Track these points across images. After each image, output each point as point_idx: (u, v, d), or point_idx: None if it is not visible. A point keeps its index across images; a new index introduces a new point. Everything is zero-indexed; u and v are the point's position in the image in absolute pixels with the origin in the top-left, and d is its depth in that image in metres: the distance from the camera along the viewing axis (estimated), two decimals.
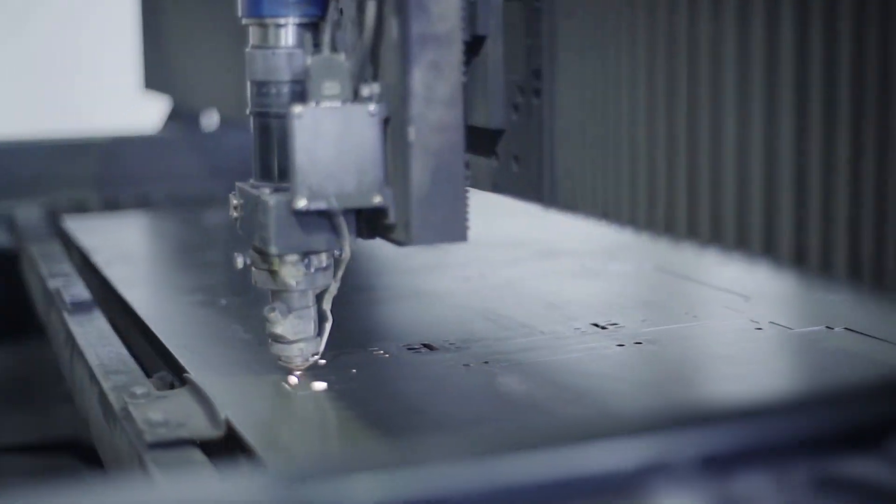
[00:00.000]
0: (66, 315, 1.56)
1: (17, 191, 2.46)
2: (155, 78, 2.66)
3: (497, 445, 0.81)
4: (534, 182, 1.14)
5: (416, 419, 1.14)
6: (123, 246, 2.05)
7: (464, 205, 1.15)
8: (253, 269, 1.24)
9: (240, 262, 1.24)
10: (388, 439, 1.08)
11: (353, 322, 1.44)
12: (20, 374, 2.26)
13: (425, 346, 1.35)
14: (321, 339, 1.26)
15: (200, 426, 1.11)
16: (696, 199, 0.94)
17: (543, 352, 1.30)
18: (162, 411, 1.14)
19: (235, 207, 1.26)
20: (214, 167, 2.58)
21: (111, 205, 2.42)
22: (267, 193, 1.18)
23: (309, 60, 1.15)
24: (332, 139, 1.14)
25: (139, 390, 1.19)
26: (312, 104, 1.14)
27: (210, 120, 2.77)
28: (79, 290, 1.66)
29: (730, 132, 0.90)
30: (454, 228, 1.15)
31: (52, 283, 1.71)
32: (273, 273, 1.22)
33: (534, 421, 1.12)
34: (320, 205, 1.14)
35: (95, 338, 1.43)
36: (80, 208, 2.39)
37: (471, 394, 1.21)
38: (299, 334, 1.25)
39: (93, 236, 2.06)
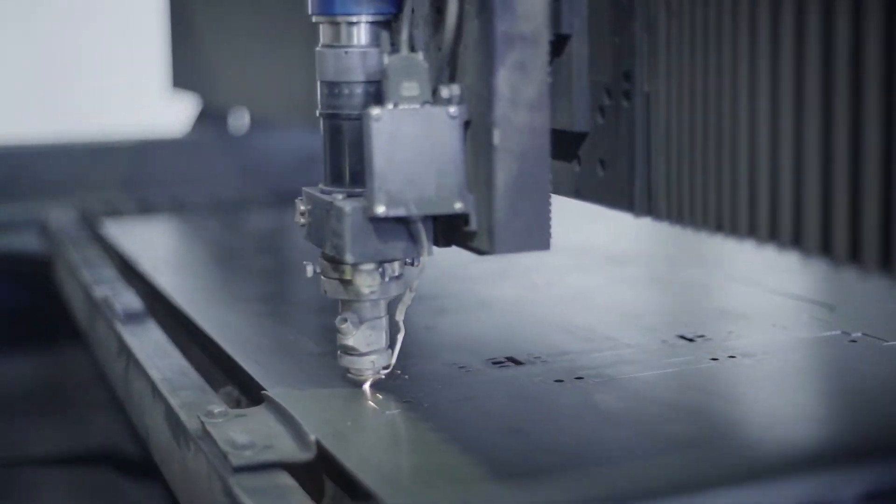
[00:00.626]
0: (118, 325, 1.51)
1: (46, 194, 2.41)
2: (184, 76, 2.61)
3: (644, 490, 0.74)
4: (623, 188, 1.09)
5: (523, 442, 1.08)
6: (167, 251, 2.00)
7: (547, 212, 1.10)
8: (322, 277, 1.19)
9: (310, 270, 1.19)
10: (501, 472, 1.00)
11: (423, 333, 1.39)
12: (53, 382, 2.21)
13: (510, 359, 1.29)
14: (393, 352, 1.21)
15: (288, 448, 1.05)
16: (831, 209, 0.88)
17: (635, 366, 1.25)
18: (245, 432, 1.08)
19: (303, 213, 1.21)
20: (246, 169, 2.53)
21: (145, 208, 2.37)
22: (341, 199, 1.13)
23: (387, 60, 1.10)
24: (411, 142, 1.09)
25: (216, 408, 1.14)
26: (390, 106, 1.09)
27: (239, 120, 2.72)
28: (129, 298, 1.62)
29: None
30: (538, 236, 1.10)
31: (99, 291, 1.67)
32: (345, 282, 1.17)
33: (652, 449, 1.05)
34: (399, 211, 1.09)
35: (153, 350, 1.39)
36: (114, 212, 2.34)
37: (573, 413, 1.15)
38: (371, 346, 1.20)
39: (133, 241, 2.01)
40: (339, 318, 1.19)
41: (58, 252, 2.11)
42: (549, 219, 1.10)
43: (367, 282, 1.14)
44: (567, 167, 1.17)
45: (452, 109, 1.09)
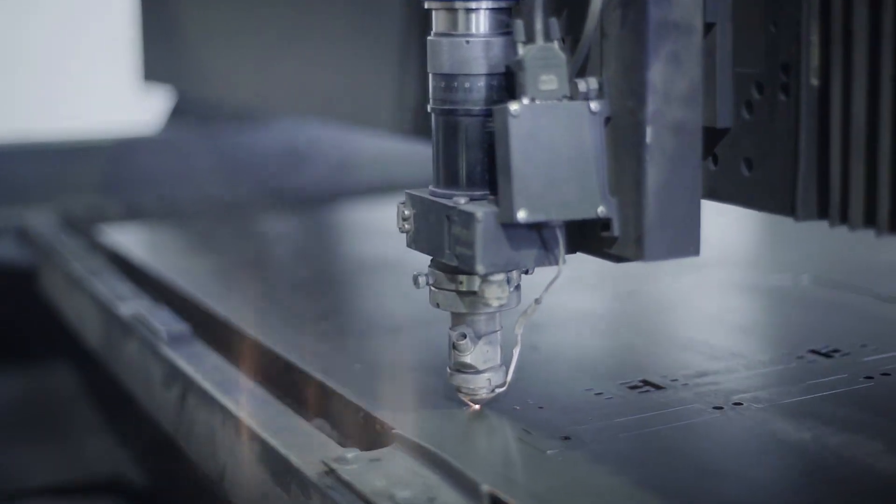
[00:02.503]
0: (163, 348, 1.38)
1: (20, 197, 2.25)
2: (157, 68, 2.46)
3: None
4: (779, 190, 1.01)
5: (723, 487, 0.96)
6: (186, 261, 1.85)
7: (698, 215, 1.01)
8: (433, 289, 1.09)
9: (422, 282, 1.09)
10: None
11: (530, 353, 1.27)
12: (41, 403, 2.06)
13: (645, 382, 1.19)
14: (508, 369, 1.11)
15: (455, 501, 0.93)
16: None
17: (788, 388, 1.15)
18: (397, 482, 0.96)
19: (406, 219, 1.10)
20: (232, 167, 2.40)
21: (133, 212, 2.22)
22: (466, 204, 1.03)
23: (522, 50, 1.00)
24: (551, 141, 0.99)
25: (349, 453, 1.02)
26: (527, 101, 0.99)
27: None
28: (166, 317, 1.49)
29: None
30: (688, 242, 1.01)
31: (127, 308, 1.53)
32: (462, 294, 1.07)
33: None
34: (540, 217, 0.99)
35: (221, 378, 1.26)
36: (100, 216, 2.19)
37: (761, 447, 1.03)
38: (488, 363, 1.10)
39: (141, 250, 1.87)
40: (455, 332, 1.09)
41: (47, 261, 1.96)
42: (699, 223, 1.01)
43: (496, 293, 1.04)
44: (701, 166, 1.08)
45: (594, 105, 1.00)
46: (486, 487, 0.93)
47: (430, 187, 1.09)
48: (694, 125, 0.99)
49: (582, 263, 1.09)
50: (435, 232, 1.07)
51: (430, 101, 1.08)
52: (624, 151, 1.00)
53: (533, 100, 0.99)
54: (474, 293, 1.06)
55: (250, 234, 2.12)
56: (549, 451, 1.03)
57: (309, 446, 1.07)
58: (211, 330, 1.47)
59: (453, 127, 1.07)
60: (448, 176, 1.08)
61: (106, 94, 3.04)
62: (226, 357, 1.36)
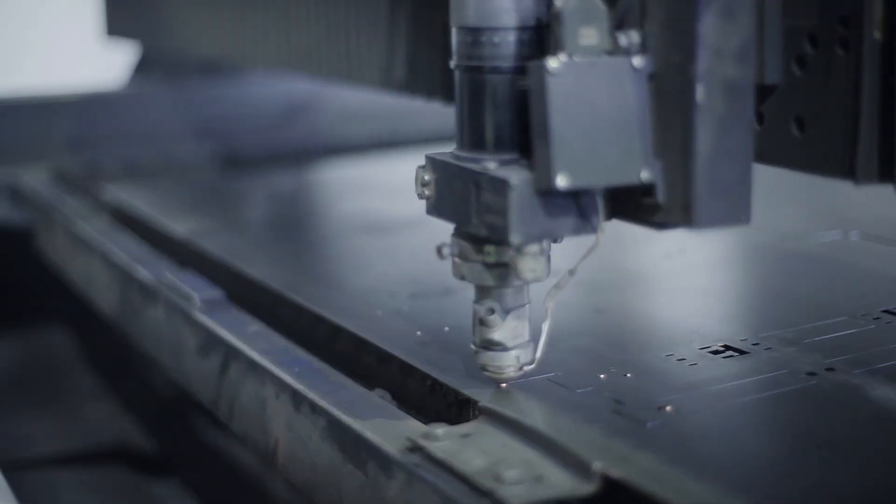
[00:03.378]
0: (199, 316, 1.29)
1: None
2: (121, 21, 2.35)
3: None
4: (836, 151, 0.93)
5: (840, 461, 0.89)
6: (200, 220, 1.74)
7: (749, 180, 0.94)
8: (457, 260, 1.01)
9: (446, 252, 1.01)
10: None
11: (596, 317, 1.21)
12: (37, 368, 1.97)
13: (726, 347, 1.12)
14: (538, 345, 1.03)
15: (564, 480, 0.86)
16: None
17: (876, 351, 1.08)
18: (499, 460, 0.89)
19: (426, 184, 1.02)
20: (203, 124, 2.30)
21: (129, 169, 2.12)
22: (496, 169, 0.95)
23: (559, 1, 0.92)
24: (592, 101, 0.91)
25: (439, 429, 0.94)
26: (564, 57, 0.91)
27: None
28: (196, 281, 1.40)
29: None
30: (739, 208, 0.93)
31: (149, 273, 1.45)
32: (490, 266, 0.99)
33: None
34: (581, 183, 0.91)
35: (268, 349, 1.17)
36: (93, 174, 2.08)
37: (869, 416, 0.97)
38: (517, 339, 1.03)
39: (151, 208, 1.77)
40: (483, 307, 1.01)
41: (46, 222, 1.87)
42: (750, 188, 0.94)
43: (530, 265, 0.96)
44: None
45: (637, 60, 0.92)
46: (598, 465, 0.86)
47: (454, 150, 1.01)
48: (746, 83, 0.92)
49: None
50: (460, 199, 0.98)
51: (454, 57, 1.00)
52: (670, 111, 0.92)
53: (571, 56, 0.91)
54: (504, 265, 0.99)
55: (254, 190, 2.03)
56: (649, 424, 0.96)
57: (384, 421, 0.99)
58: (245, 295, 1.38)
59: (480, 85, 0.98)
60: (474, 138, 0.99)
61: (67, 50, 2.91)
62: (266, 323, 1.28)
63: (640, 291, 1.34)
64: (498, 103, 0.98)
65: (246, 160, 2.23)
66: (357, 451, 0.99)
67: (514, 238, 0.94)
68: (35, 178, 2.07)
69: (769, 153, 0.99)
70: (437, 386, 1.07)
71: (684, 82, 0.90)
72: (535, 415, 0.98)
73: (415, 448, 0.94)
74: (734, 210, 0.93)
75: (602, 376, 1.07)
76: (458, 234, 1.01)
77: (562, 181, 0.91)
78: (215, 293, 1.36)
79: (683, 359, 1.10)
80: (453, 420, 1.03)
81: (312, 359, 1.16)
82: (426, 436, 0.94)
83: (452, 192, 1.00)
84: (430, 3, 1.38)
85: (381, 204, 1.81)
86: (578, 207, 0.95)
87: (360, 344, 1.18)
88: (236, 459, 1.67)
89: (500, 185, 0.94)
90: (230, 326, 1.26)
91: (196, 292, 1.36)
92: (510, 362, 1.03)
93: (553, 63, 0.90)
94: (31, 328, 2.08)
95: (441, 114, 1.52)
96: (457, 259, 1.01)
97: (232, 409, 1.20)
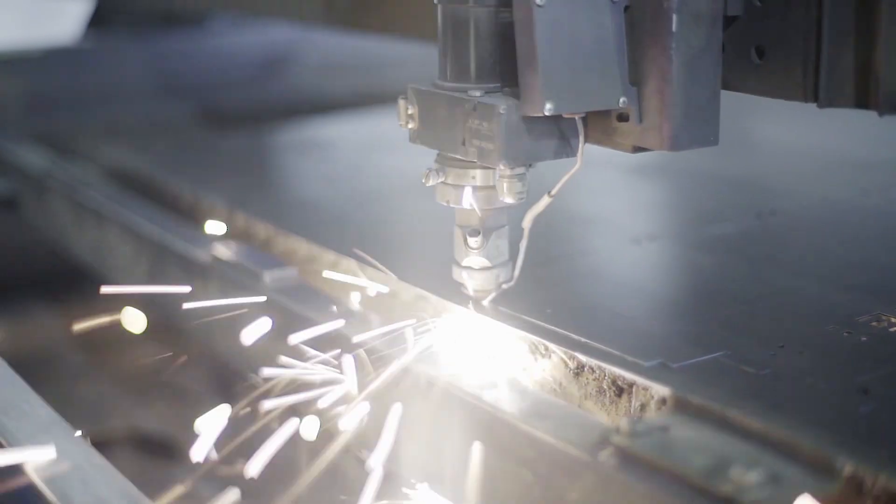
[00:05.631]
0: (281, 299, 1.23)
1: None
2: None
3: None
4: (796, 77, 1.01)
5: None
6: (221, 180, 1.68)
7: (717, 105, 1.01)
8: (442, 185, 1.07)
9: (432, 179, 1.06)
10: None
11: (730, 285, 1.18)
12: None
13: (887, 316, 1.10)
14: (516, 264, 1.10)
15: (804, 479, 0.79)
16: None
17: None
18: (724, 459, 0.82)
19: (411, 116, 1.08)
20: (174, 80, 2.26)
21: (113, 130, 2.04)
22: (483, 97, 1.01)
23: None
24: (575, 31, 0.98)
25: (636, 424, 0.85)
26: None
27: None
28: (261, 257, 1.34)
29: None
30: (709, 131, 1.01)
31: (193, 249, 1.39)
32: (477, 189, 1.05)
33: None
34: (567, 109, 0.98)
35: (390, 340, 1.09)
36: (74, 136, 1.99)
37: None
38: (499, 258, 1.09)
39: (164, 172, 1.69)
40: (470, 229, 1.07)
41: (42, 191, 1.77)
42: (718, 112, 1.01)
43: (517, 188, 1.03)
44: None
45: None
46: (848, 467, 0.80)
47: (435, 81, 1.06)
48: (715, 13, 0.99)
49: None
50: (445, 126, 1.04)
51: None
52: (646, 41, 0.99)
53: None
54: (490, 188, 1.05)
55: (256, 146, 1.97)
56: (861, 408, 0.91)
57: (562, 418, 0.92)
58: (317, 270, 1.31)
59: (461, 19, 1.04)
60: (457, 70, 1.05)
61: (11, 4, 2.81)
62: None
63: (741, 256, 1.31)
64: (481, 36, 1.03)
65: (230, 117, 2.19)
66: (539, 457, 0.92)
67: (503, 162, 1.00)
68: (13, 143, 1.97)
69: (731, 81, 1.06)
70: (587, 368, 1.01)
71: (660, 14, 0.97)
72: (738, 403, 0.90)
73: (614, 447, 0.86)
74: (705, 132, 1.01)
75: (775, 352, 1.02)
76: (441, 160, 1.07)
77: (549, 107, 0.97)
78: (289, 273, 1.29)
79: (850, 332, 1.06)
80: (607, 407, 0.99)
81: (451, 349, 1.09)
82: (624, 432, 0.86)
83: (436, 121, 1.05)
84: None
85: None
86: (559, 132, 1.02)
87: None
88: None
89: (489, 112, 1.00)
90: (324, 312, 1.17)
91: (266, 270, 1.28)
92: (490, 281, 1.09)
93: None
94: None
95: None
96: (442, 184, 1.07)
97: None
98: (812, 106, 1.00)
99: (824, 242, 1.37)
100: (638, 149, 1.03)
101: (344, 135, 2.06)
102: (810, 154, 1.76)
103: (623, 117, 1.02)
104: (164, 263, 1.48)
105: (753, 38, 1.04)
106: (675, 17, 0.97)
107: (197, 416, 1.04)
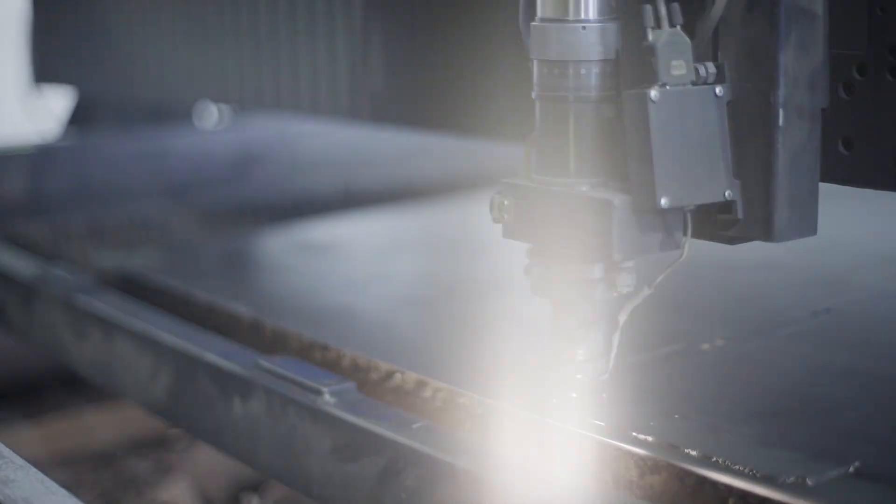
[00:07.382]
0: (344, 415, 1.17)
1: None
2: (52, 66, 2.24)
3: None
4: (880, 166, 1.04)
5: None
6: (247, 288, 1.63)
7: (816, 196, 1.04)
8: (541, 278, 1.08)
9: (533, 272, 1.07)
10: None
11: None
12: None
13: None
14: (610, 356, 1.11)
15: None
16: None
17: None
18: None
19: (504, 209, 1.08)
20: (161, 176, 2.21)
21: (98, 232, 1.98)
22: (592, 191, 1.02)
23: (652, 36, 1.00)
24: (684, 127, 1.00)
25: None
26: (662, 87, 0.99)
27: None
28: (311, 370, 1.26)
29: None
30: (809, 222, 1.04)
31: (232, 362, 1.32)
32: (576, 282, 1.06)
33: None
34: (680, 203, 1.00)
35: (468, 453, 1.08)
36: (58, 238, 1.94)
37: None
38: (595, 351, 1.10)
39: (181, 279, 1.61)
40: (571, 322, 1.08)
41: (40, 305, 1.65)
42: (817, 203, 1.04)
43: (626, 280, 1.04)
44: None
45: (719, 89, 1.01)
46: None
47: (533, 175, 1.07)
48: (815, 108, 1.02)
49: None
50: (543, 221, 1.05)
51: (535, 88, 1.06)
52: (750, 134, 1.01)
53: (664, 85, 0.99)
54: (592, 281, 1.06)
55: (272, 249, 1.89)
56: None
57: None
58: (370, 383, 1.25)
59: (561, 114, 1.05)
60: (554, 163, 1.06)
61: None
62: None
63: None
64: (583, 131, 1.05)
65: (221, 216, 2.16)
66: None
67: (617, 255, 1.01)
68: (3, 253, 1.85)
69: (822, 171, 1.09)
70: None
71: (765, 108, 1.00)
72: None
73: None
74: (806, 223, 1.03)
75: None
76: (536, 254, 1.07)
77: (665, 202, 0.99)
78: (347, 385, 1.21)
79: None
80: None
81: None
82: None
83: (533, 215, 1.06)
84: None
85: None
86: (665, 225, 1.04)
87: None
88: None
89: (603, 206, 1.01)
90: (396, 428, 1.13)
91: (324, 385, 1.20)
92: (587, 374, 1.10)
93: (654, 92, 0.98)
94: None
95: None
96: (540, 277, 1.07)
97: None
98: None
99: None
100: (737, 240, 1.05)
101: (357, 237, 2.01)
102: None
103: (724, 209, 1.04)
104: (197, 379, 1.40)
105: (841, 129, 1.07)
106: (781, 112, 0.99)
107: None
